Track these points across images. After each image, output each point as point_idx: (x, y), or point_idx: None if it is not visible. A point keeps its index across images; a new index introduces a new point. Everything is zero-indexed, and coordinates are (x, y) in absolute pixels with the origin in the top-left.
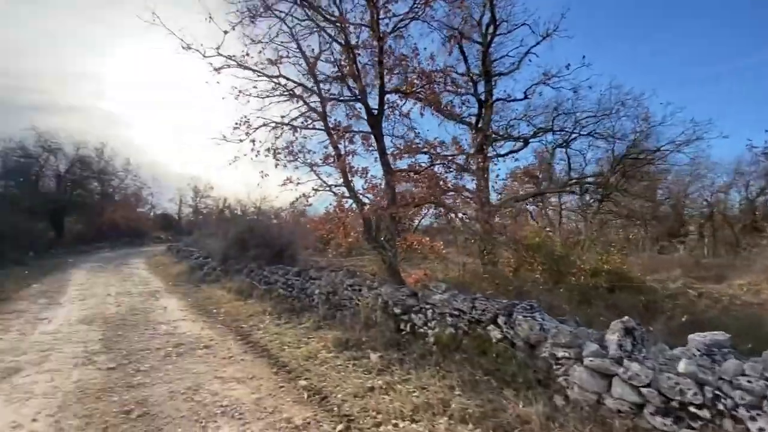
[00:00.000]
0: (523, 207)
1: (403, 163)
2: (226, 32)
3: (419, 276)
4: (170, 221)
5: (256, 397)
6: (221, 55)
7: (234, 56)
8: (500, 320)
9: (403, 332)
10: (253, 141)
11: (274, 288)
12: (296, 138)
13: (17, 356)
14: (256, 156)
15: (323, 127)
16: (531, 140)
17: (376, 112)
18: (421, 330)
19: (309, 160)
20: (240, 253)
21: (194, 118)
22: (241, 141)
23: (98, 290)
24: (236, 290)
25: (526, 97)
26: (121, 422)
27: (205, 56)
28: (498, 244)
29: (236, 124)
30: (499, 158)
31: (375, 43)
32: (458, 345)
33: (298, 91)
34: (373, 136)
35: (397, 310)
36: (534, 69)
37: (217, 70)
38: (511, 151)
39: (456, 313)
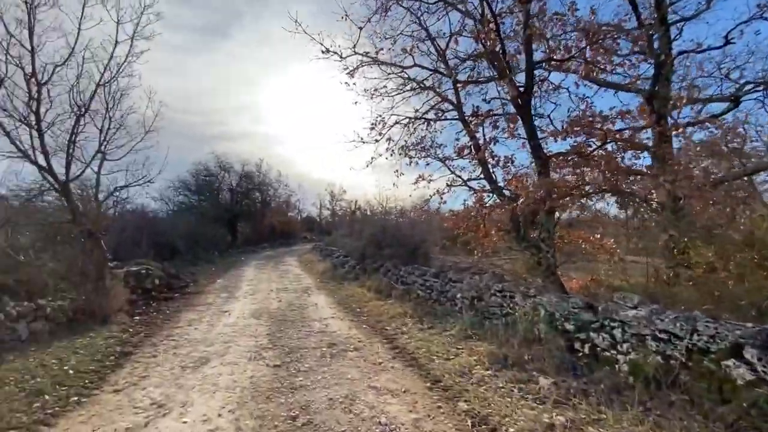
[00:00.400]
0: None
1: (557, 147)
2: (360, 28)
3: (584, 281)
4: (313, 223)
5: (414, 417)
6: (357, 53)
7: (368, 53)
8: (748, 353)
9: (579, 354)
10: (389, 139)
11: (412, 289)
12: (428, 132)
13: (207, 347)
14: (391, 155)
15: (457, 117)
16: (743, 98)
17: (522, 89)
18: (607, 354)
19: (441, 155)
20: (375, 252)
21: (330, 130)
22: (376, 141)
23: (263, 286)
24: (375, 289)
25: (727, 43)
26: (289, 428)
27: (342, 57)
28: (699, 239)
29: (372, 124)
30: (693, 127)
31: (520, 5)
32: (673, 381)
33: (429, 82)
34: (519, 118)
35: (568, 326)
36: (736, 4)
37: (353, 71)
38: (712, 117)
39: (664, 336)
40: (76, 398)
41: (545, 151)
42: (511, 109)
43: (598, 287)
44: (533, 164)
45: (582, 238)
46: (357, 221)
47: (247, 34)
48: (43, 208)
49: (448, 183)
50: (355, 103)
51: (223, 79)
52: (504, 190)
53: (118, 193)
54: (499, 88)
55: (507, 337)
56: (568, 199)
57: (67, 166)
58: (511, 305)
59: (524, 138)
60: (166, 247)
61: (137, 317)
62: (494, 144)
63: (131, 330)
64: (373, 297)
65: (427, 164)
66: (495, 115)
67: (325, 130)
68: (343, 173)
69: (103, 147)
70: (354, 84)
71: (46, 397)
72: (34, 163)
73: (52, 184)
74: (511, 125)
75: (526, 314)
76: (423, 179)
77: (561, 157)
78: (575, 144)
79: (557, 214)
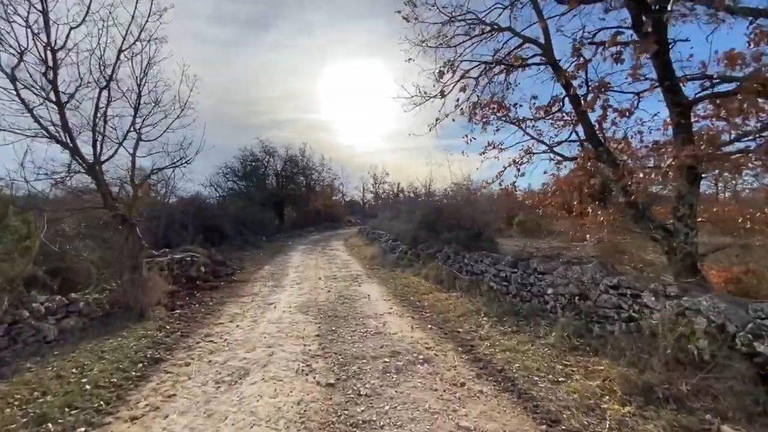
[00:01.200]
0: None
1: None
2: None
3: (730, 273)
4: (356, 206)
5: None
6: None
7: None
8: None
9: None
10: (464, 89)
11: (482, 280)
12: (503, 86)
13: (247, 352)
14: (461, 114)
15: (545, 61)
16: None
17: (655, 5)
18: None
19: (515, 116)
20: (429, 236)
21: (372, 114)
22: (442, 95)
23: (311, 273)
24: (434, 279)
25: None
26: None
27: None
28: None
29: (439, 72)
30: None
31: None
32: None
33: (505, 20)
34: (653, 50)
35: (761, 347)
36: None
37: None
38: None
39: None
40: (83, 429)
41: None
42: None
43: (760, 281)
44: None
45: (741, 215)
46: (403, 203)
47: (290, 24)
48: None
49: (527, 150)
50: (409, 59)
51: (266, 70)
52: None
53: (155, 176)
54: (604, 17)
55: (638, 355)
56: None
57: (95, 146)
58: (636, 308)
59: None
60: (216, 232)
61: (177, 310)
62: (604, 92)
63: (168, 327)
64: (433, 288)
65: (497, 129)
66: (621, 43)
67: (367, 114)
68: (384, 157)
69: (136, 126)
70: (416, 20)
71: (50, 425)
72: (60, 141)
73: (81, 164)
74: (639, 55)
75: (673, 323)
76: (493, 147)
77: (717, 100)
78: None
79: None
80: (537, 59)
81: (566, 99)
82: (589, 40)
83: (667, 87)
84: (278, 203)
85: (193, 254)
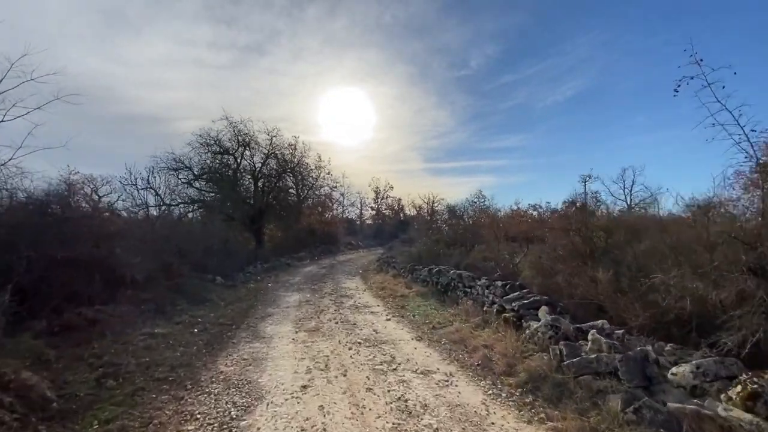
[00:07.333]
0: None
1: None
2: None
3: None
4: (353, 226)
5: None
6: None
7: None
8: None
9: None
10: None
11: None
12: None
13: None
14: None
15: None
16: None
17: None
18: None
19: None
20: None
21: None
22: None
23: None
24: None
25: None
26: None
27: None
28: None
29: None
30: None
31: None
32: None
33: None
34: None
35: None
36: None
37: None
38: None
39: None
40: None
41: None
42: None
43: None
44: None
45: None
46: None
47: (284, 50)
48: None
49: None
50: None
51: (261, 93)
52: None
53: None
54: None
55: None
56: None
57: None
58: None
59: None
60: (97, 276)
61: None
62: None
63: None
64: None
65: None
66: None
67: (357, 137)
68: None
69: None
70: None
71: None
72: None
73: None
74: None
75: None
76: None
77: None
78: None
79: None
80: None
81: None
82: None
83: None
84: (256, 217)
85: None
